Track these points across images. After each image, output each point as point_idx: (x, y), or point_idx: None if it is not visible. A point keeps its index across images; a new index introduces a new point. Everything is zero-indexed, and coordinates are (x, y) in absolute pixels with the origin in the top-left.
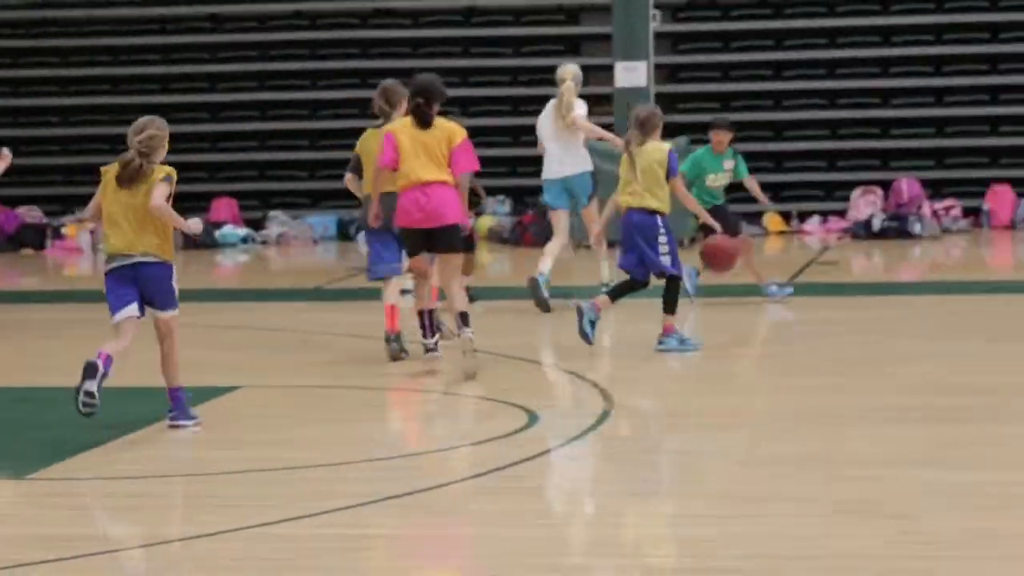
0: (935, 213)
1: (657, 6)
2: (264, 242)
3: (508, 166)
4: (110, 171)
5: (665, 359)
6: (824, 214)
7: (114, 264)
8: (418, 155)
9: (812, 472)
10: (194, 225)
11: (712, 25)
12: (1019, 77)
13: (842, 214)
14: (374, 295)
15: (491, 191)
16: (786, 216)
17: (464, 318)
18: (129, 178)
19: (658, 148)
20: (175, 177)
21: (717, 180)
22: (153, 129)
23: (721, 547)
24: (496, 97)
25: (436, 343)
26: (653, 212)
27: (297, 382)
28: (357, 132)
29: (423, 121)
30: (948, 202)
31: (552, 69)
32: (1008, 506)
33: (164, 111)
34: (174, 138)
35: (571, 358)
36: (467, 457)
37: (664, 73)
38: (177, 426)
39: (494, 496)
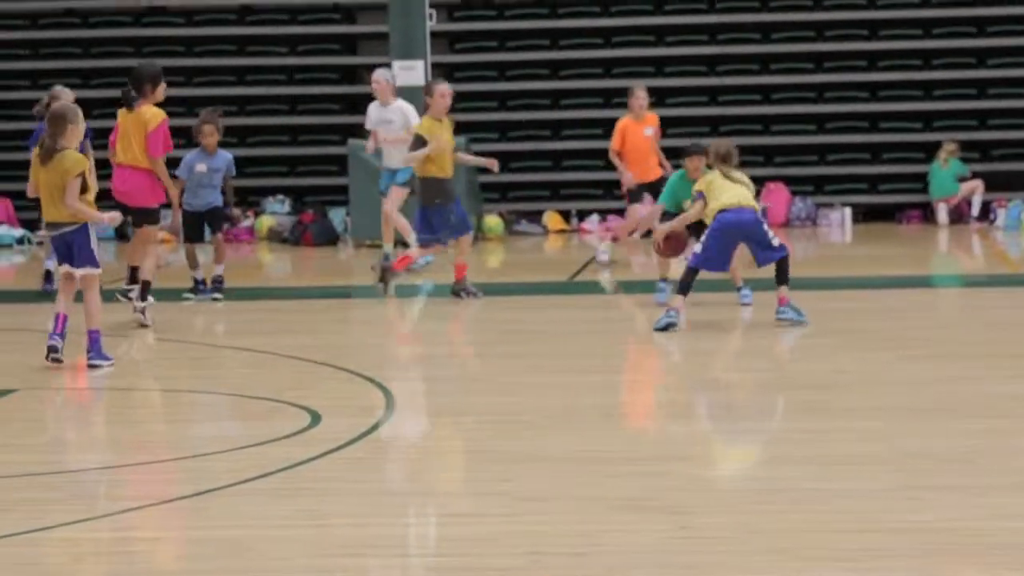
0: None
1: (433, 5)
2: (41, 243)
3: (286, 165)
4: (36, 153)
5: (447, 357)
6: (603, 213)
7: (49, 232)
8: (122, 138)
9: (587, 469)
10: (110, 219)
11: (488, 24)
12: (791, 77)
13: (621, 213)
14: (161, 295)
15: (270, 190)
16: (565, 215)
17: (144, 287)
18: (45, 157)
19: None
20: (87, 169)
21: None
22: (58, 113)
23: (498, 545)
24: (273, 96)
25: (144, 310)
26: (754, 210)
27: (75, 384)
28: None
29: (125, 104)
30: None
31: (329, 68)
32: (778, 500)
33: None
34: None
35: (353, 358)
36: (248, 458)
37: (441, 72)
38: (94, 365)
39: (272, 497)
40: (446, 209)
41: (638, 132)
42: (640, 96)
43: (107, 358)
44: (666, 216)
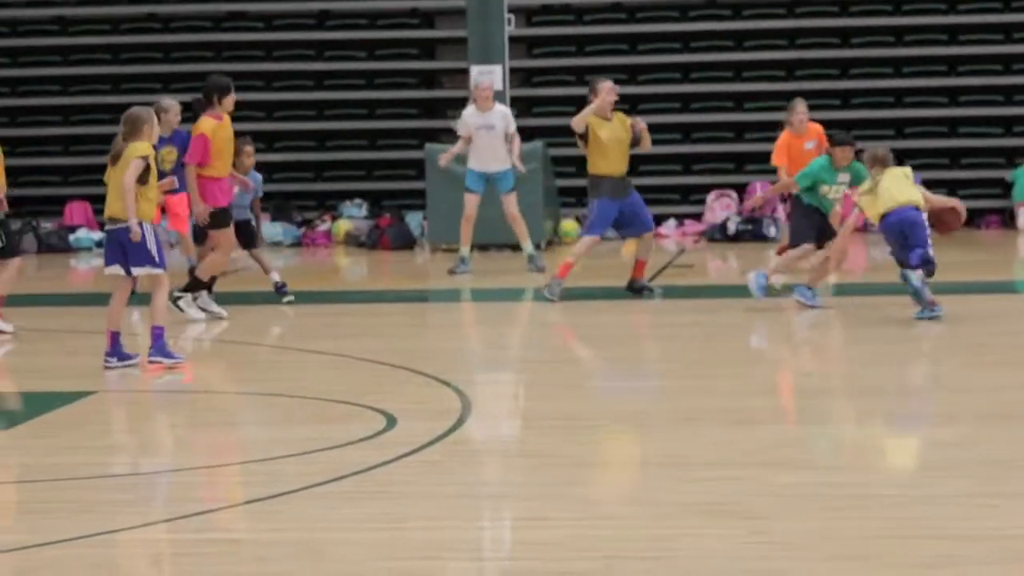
0: (789, 216)
1: (511, 10)
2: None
3: (364, 169)
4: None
5: (523, 361)
6: (680, 217)
7: (106, 228)
8: None
9: (663, 473)
10: (135, 227)
11: (567, 29)
12: (870, 82)
13: (697, 217)
14: (237, 299)
15: (347, 194)
16: None
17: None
18: (114, 158)
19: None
20: (151, 157)
21: (831, 192)
22: (133, 116)
23: (572, 549)
24: (351, 100)
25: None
26: (915, 207)
27: (153, 387)
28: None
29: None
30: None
31: (407, 73)
32: (852, 506)
33: (19, 113)
34: (24, 142)
35: (429, 361)
36: (323, 461)
37: (520, 77)
38: (155, 362)
39: (349, 500)
40: (614, 205)
41: (799, 147)
42: (800, 111)
43: (172, 356)
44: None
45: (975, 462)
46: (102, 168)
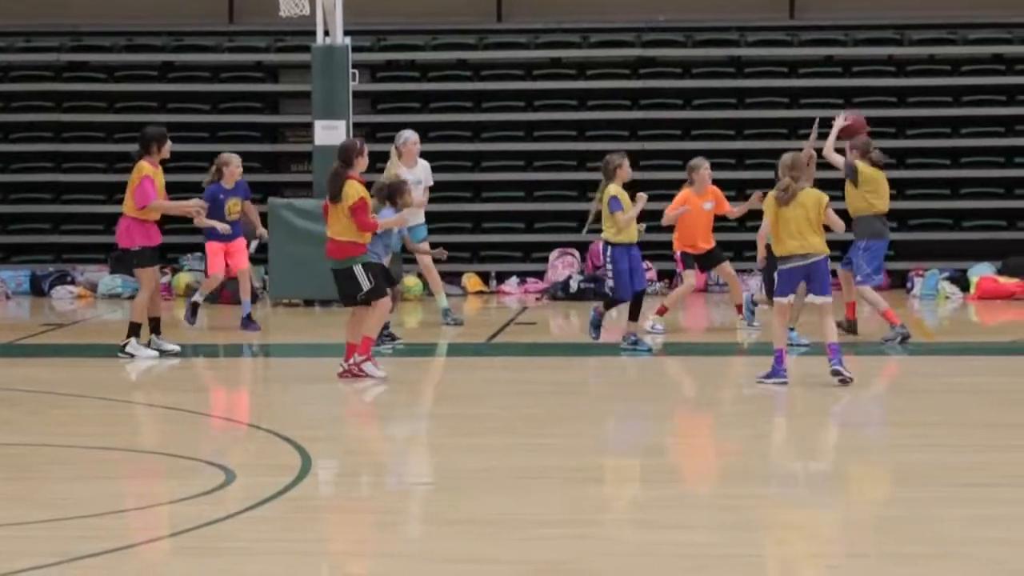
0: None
1: (356, 66)
2: None
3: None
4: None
5: (358, 416)
6: (522, 275)
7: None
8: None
9: (504, 532)
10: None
11: (411, 85)
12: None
13: (540, 275)
14: (67, 351)
15: (188, 247)
16: (484, 277)
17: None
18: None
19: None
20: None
21: None
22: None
23: None
24: (199, 153)
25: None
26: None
27: None
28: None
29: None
30: (645, 264)
31: (251, 126)
32: (706, 566)
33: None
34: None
35: (269, 417)
36: (163, 516)
37: (363, 132)
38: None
39: (188, 556)
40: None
41: (697, 204)
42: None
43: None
44: None
45: None
46: None
